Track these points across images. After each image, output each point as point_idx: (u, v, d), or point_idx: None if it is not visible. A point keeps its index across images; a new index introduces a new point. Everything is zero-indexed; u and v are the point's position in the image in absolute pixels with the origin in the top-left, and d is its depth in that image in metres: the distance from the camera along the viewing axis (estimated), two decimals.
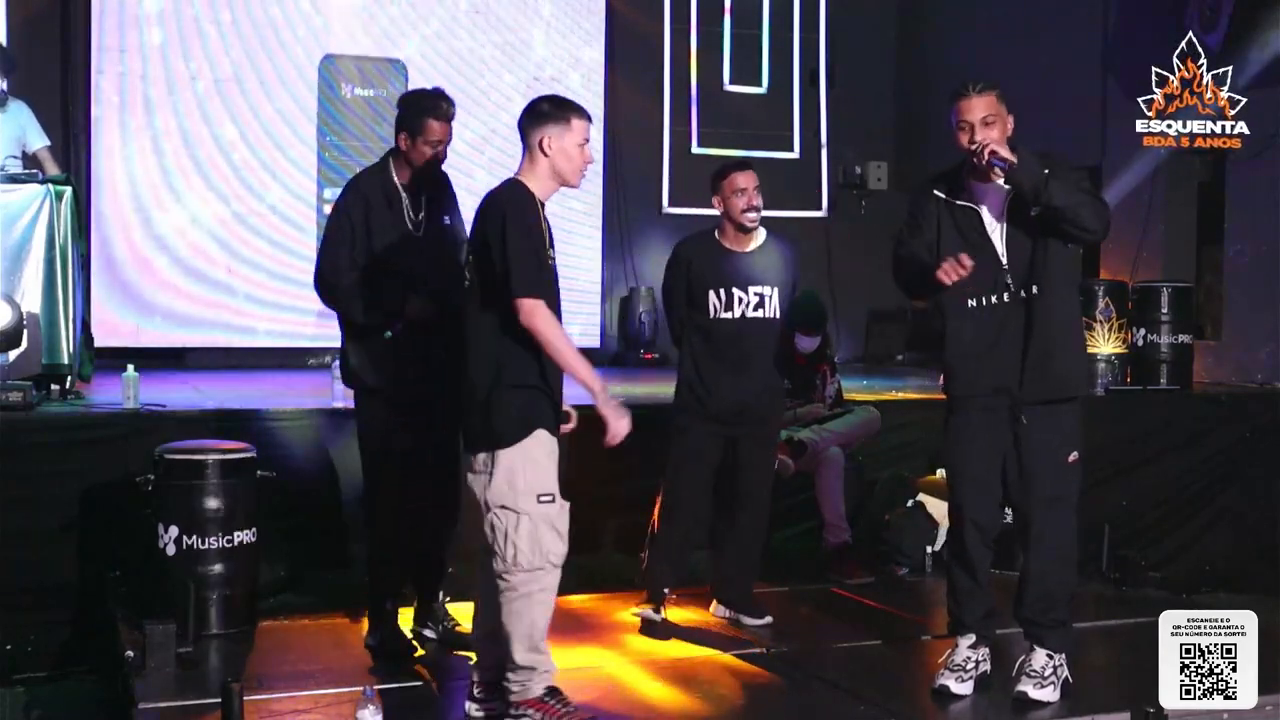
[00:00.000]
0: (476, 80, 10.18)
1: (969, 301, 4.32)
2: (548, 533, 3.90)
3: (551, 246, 4.01)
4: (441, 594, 5.06)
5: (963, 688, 4.43)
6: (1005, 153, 4.12)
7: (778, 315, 5.19)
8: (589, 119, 4.05)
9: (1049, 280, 4.25)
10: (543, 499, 3.90)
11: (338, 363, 6.49)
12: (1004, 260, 4.27)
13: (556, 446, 3.99)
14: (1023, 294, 4.25)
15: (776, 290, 5.17)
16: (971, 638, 4.47)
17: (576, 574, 5.62)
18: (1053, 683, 4.33)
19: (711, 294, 5.11)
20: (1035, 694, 4.30)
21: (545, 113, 3.99)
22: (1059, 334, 4.28)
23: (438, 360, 4.59)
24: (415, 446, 4.75)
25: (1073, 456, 4.32)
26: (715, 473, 5.19)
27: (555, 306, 3.96)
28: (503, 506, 3.90)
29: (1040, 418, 4.30)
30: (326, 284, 4.71)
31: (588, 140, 4.04)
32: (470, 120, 10.11)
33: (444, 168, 4.89)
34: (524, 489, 3.88)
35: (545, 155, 3.96)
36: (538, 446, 3.92)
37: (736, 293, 5.11)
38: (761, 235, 5.22)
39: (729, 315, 5.11)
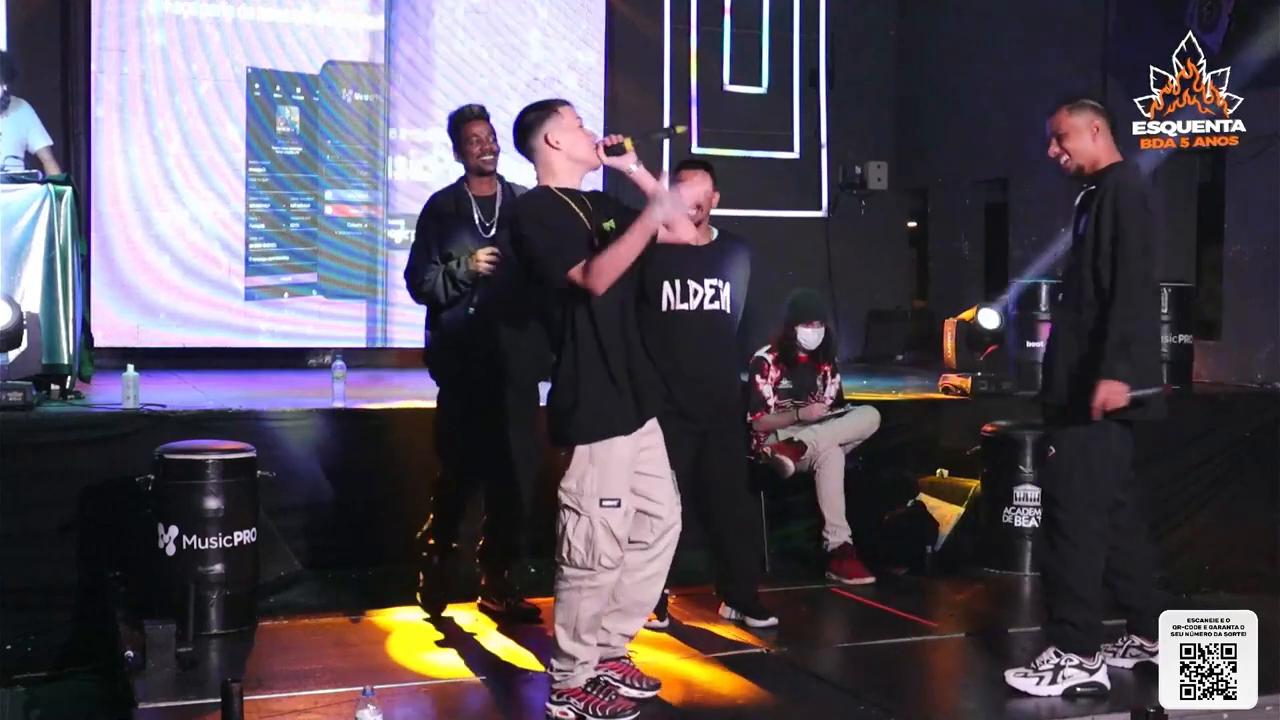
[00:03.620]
0: (476, 80, 10.18)
1: None
2: (604, 536, 3.99)
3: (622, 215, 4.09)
4: (505, 571, 5.40)
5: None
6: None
7: (729, 310, 5.19)
8: (570, 104, 4.17)
9: None
10: (606, 503, 3.99)
11: (340, 361, 6.56)
12: None
13: (631, 450, 4.05)
14: None
15: (730, 285, 5.17)
16: None
17: None
18: (1043, 676, 4.34)
19: (666, 285, 5.05)
20: (1012, 679, 4.38)
21: (532, 119, 4.11)
22: None
23: (506, 358, 5.15)
24: (487, 432, 5.20)
25: None
26: (690, 471, 5.17)
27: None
28: (567, 506, 4.01)
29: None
30: (413, 282, 5.25)
31: (581, 121, 4.14)
32: None
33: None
34: (589, 491, 3.98)
35: (556, 148, 4.07)
36: (606, 451, 4.00)
37: (692, 285, 5.08)
38: (714, 232, 5.25)
39: (685, 307, 5.09)
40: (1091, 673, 4.35)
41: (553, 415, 4.06)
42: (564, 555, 4.03)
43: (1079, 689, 4.32)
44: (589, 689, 4.07)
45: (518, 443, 5.24)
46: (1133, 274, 4.24)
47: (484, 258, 5.05)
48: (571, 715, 4.05)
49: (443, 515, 5.37)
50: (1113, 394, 4.21)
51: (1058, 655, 4.35)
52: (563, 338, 4.02)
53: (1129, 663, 4.63)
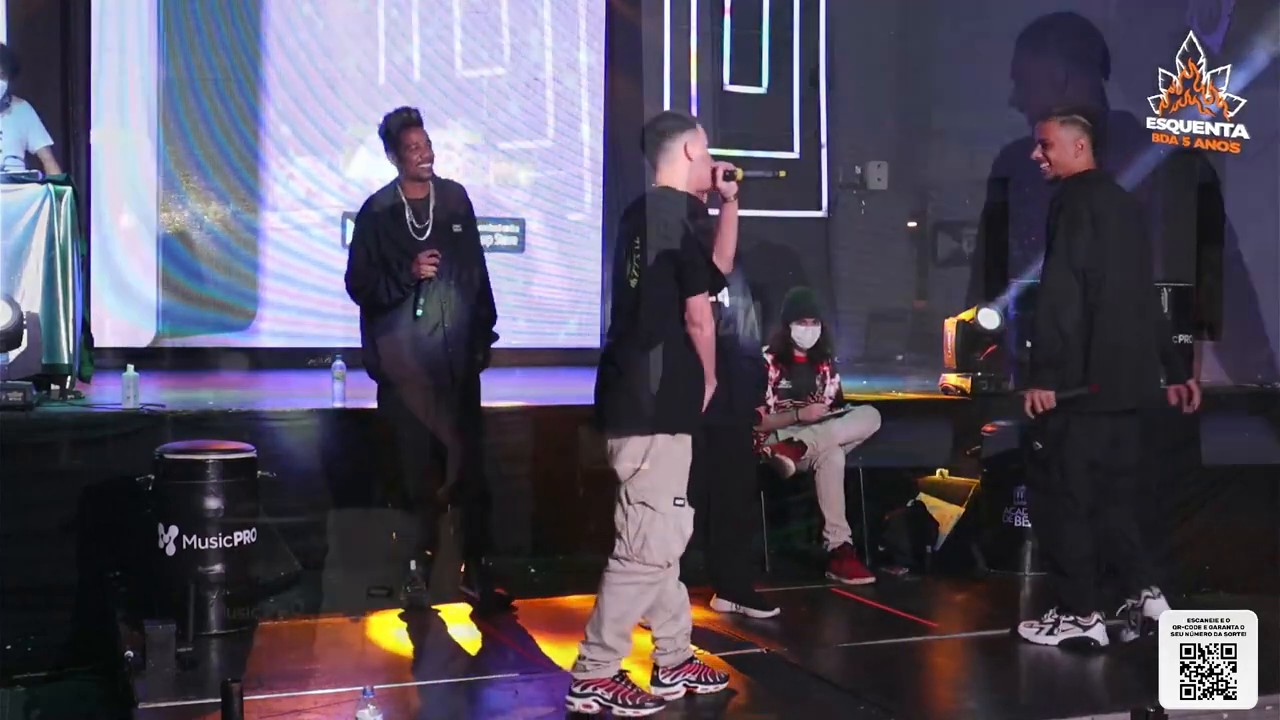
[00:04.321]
0: (476, 80, 10.18)
1: None
2: (675, 535, 4.07)
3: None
4: (485, 559, 5.54)
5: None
6: None
7: (724, 303, 5.18)
8: None
9: None
10: (678, 502, 4.07)
11: (340, 361, 6.58)
12: None
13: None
14: None
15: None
16: None
17: (573, 574, 5.62)
18: (1044, 628, 4.89)
19: None
20: (1022, 629, 4.95)
21: (677, 125, 4.17)
22: None
23: (449, 351, 5.28)
24: (437, 427, 5.35)
25: None
26: (694, 466, 5.16)
27: None
28: (643, 503, 4.03)
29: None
30: (352, 284, 5.37)
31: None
32: (469, 121, 10.13)
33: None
34: (667, 489, 4.04)
35: (690, 159, 4.14)
36: (681, 447, 4.08)
37: None
38: None
39: None
40: (1086, 629, 4.84)
41: (633, 403, 4.04)
42: (635, 552, 4.04)
43: (1074, 641, 4.82)
44: (617, 679, 4.10)
45: (470, 434, 5.41)
46: (1049, 284, 4.67)
47: (425, 261, 5.17)
48: (596, 707, 4.06)
49: (411, 521, 5.47)
50: (1038, 398, 4.69)
51: (1057, 613, 4.88)
52: (649, 330, 4.03)
53: (1134, 635, 4.84)
